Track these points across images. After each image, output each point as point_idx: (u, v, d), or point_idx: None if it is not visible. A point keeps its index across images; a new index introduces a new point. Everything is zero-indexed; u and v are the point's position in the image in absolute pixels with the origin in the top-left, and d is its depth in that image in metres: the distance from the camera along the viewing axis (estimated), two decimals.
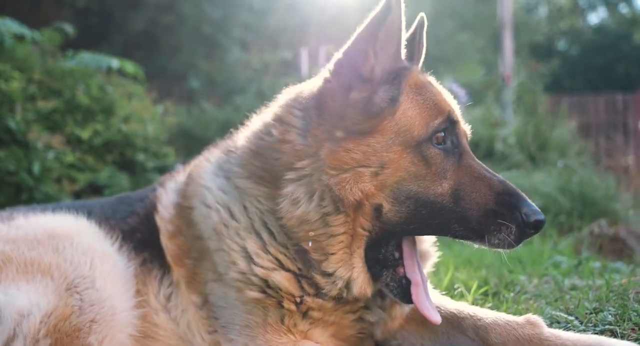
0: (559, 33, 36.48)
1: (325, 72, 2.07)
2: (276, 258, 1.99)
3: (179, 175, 2.42)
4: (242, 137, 2.23)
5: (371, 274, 1.97)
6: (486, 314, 2.07)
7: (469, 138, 2.14)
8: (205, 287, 2.13)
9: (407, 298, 1.95)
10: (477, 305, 2.52)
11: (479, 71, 18.42)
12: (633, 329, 2.06)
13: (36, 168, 5.08)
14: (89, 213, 2.35)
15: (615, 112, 16.90)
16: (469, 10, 21.48)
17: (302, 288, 1.98)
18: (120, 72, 6.42)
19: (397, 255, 1.99)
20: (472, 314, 2.09)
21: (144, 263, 2.25)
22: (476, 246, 1.95)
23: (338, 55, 2.02)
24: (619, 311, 2.20)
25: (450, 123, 1.98)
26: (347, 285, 1.95)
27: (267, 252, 2.00)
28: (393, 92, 1.95)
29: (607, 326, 2.11)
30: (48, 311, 1.89)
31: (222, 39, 15.41)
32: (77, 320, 1.92)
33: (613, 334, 2.05)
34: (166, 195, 2.35)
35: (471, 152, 2.04)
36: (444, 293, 2.48)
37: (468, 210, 1.88)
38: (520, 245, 1.89)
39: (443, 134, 1.95)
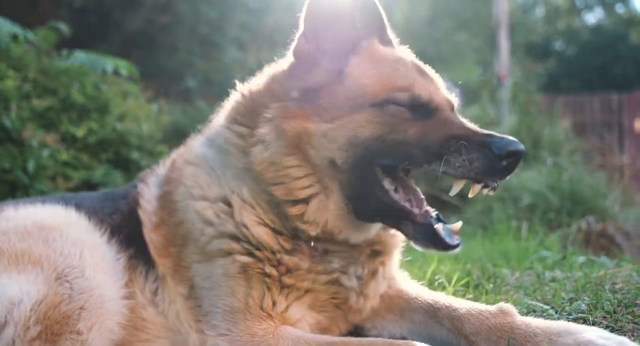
0: (555, 33, 36.56)
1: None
2: (256, 215, 2.10)
3: (159, 169, 2.49)
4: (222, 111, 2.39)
5: (386, 223, 2.07)
6: (461, 304, 2.14)
7: (454, 108, 2.19)
8: (189, 272, 2.19)
9: (434, 242, 1.97)
10: (458, 296, 2.58)
11: (475, 71, 18.49)
12: (605, 317, 2.13)
13: (31, 166, 5.13)
14: (79, 205, 2.40)
15: (611, 112, 16.98)
16: (466, 10, 21.50)
17: (279, 243, 2.08)
18: (115, 72, 6.47)
19: (392, 200, 2.01)
20: (448, 304, 2.16)
21: (129, 259, 2.30)
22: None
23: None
24: (593, 301, 2.27)
25: (413, 97, 2.04)
26: (324, 230, 2.06)
27: (251, 206, 2.11)
28: (340, 64, 2.11)
29: (580, 315, 2.17)
30: (38, 299, 1.94)
31: (219, 39, 15.45)
32: (66, 308, 1.97)
33: (585, 321, 2.12)
34: (148, 189, 2.41)
35: (449, 112, 2.10)
36: (424, 283, 2.55)
37: (432, 140, 1.94)
38: (491, 179, 1.90)
39: (405, 96, 2.03)
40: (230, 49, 15.38)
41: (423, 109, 2.05)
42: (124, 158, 6.34)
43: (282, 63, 2.30)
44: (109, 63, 6.11)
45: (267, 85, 2.22)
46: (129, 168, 6.38)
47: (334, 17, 2.15)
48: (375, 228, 2.18)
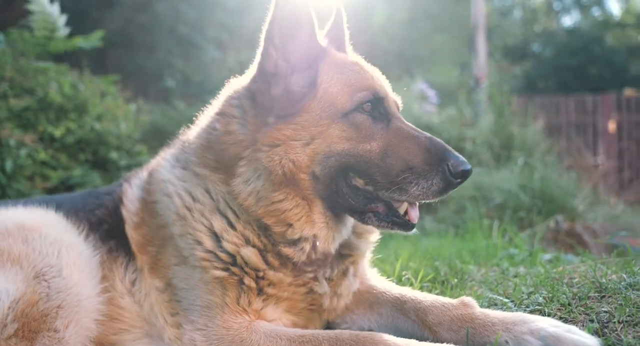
0: (533, 35, 37.03)
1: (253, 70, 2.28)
2: (243, 235, 2.17)
3: (142, 172, 2.58)
4: (194, 133, 2.42)
5: (359, 219, 2.18)
6: (425, 297, 2.26)
7: (400, 108, 2.37)
8: (167, 272, 2.27)
9: (404, 224, 2.16)
10: (425, 291, 2.68)
11: (453, 72, 18.70)
12: (559, 309, 2.25)
13: (8, 165, 5.14)
14: (59, 206, 2.48)
15: (585, 113, 17.30)
16: (444, 12, 21.70)
17: (266, 262, 2.17)
18: (90, 64, 6.46)
19: (358, 199, 2.15)
20: (414, 298, 2.28)
21: (110, 251, 2.39)
22: (402, 208, 2.15)
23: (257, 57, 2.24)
24: (550, 294, 2.39)
25: (376, 96, 2.18)
26: (313, 244, 2.16)
27: (235, 229, 2.18)
28: (311, 76, 2.17)
29: (536, 307, 2.29)
30: (16, 297, 2.00)
31: (198, 39, 15.43)
32: (44, 306, 2.03)
33: (541, 313, 2.23)
34: (131, 190, 2.50)
35: (402, 117, 2.24)
36: (393, 279, 2.65)
37: (392, 164, 2.09)
38: (447, 194, 2.09)
39: (370, 104, 2.16)
40: (209, 49, 15.37)
41: (381, 109, 2.19)
42: (103, 158, 6.34)
43: (240, 83, 2.33)
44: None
45: (237, 116, 2.23)
46: (108, 168, 6.39)
47: (298, 26, 2.17)
48: (347, 231, 2.30)
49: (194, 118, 2.52)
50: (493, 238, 4.85)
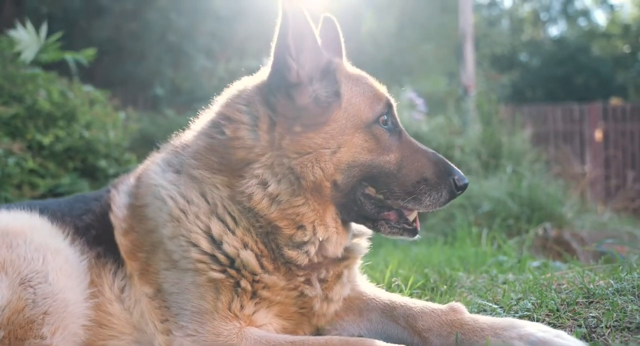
0: (520, 45, 37.35)
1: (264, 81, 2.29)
2: (242, 240, 2.17)
3: (129, 178, 2.55)
4: (190, 136, 2.40)
5: (372, 227, 2.29)
6: (415, 303, 2.26)
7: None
8: (157, 277, 2.25)
9: (413, 231, 2.30)
10: (414, 297, 2.68)
11: (442, 81, 18.80)
12: (548, 314, 2.26)
13: None
14: (44, 211, 2.44)
15: (572, 122, 17.46)
16: (432, 21, 21.85)
17: (262, 266, 2.17)
18: (80, 72, 6.47)
19: (372, 207, 2.24)
20: (403, 304, 2.29)
21: (98, 256, 2.35)
22: (412, 216, 2.27)
23: (267, 73, 2.26)
24: (538, 300, 2.40)
25: (389, 107, 2.29)
26: (322, 247, 2.21)
27: (234, 233, 2.18)
28: (333, 86, 2.23)
29: (525, 313, 2.30)
30: (2, 304, 1.98)
31: (188, 47, 15.45)
32: (30, 313, 2.01)
33: (530, 319, 2.24)
34: (119, 196, 2.47)
35: (405, 132, 2.35)
36: (382, 286, 2.65)
37: (407, 175, 2.21)
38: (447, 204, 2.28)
39: (385, 117, 2.26)
40: (199, 58, 15.39)
41: (393, 119, 2.30)
42: (91, 166, 6.31)
43: (243, 89, 2.33)
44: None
45: (258, 128, 2.21)
46: (96, 176, 6.35)
47: (304, 37, 2.19)
48: (351, 237, 2.33)
49: (184, 126, 2.51)
50: (482, 246, 4.87)
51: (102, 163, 6.39)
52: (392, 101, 2.35)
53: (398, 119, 2.35)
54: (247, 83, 2.37)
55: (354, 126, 2.18)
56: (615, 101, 19.63)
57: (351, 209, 2.23)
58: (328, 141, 2.15)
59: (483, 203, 6.24)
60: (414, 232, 2.29)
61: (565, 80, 31.60)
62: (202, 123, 2.39)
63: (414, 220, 2.30)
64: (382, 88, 2.36)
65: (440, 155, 2.30)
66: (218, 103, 2.39)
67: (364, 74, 2.41)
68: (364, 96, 2.25)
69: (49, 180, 5.75)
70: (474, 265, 3.83)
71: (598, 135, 17.20)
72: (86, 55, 6.40)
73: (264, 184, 2.15)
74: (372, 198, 2.23)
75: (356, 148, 2.17)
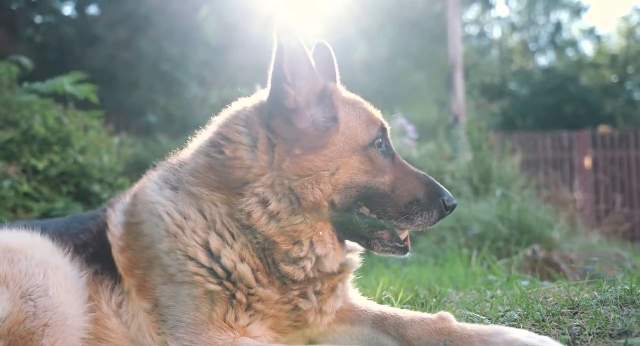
0: (510, 74, 37.87)
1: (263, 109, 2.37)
2: (240, 255, 2.25)
3: (125, 197, 2.61)
4: (188, 154, 2.48)
5: (366, 245, 2.39)
6: (405, 314, 2.33)
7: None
8: (154, 292, 2.31)
9: (404, 249, 2.40)
10: None
11: (433, 110, 19.02)
12: (534, 324, 2.33)
13: None
14: (44, 230, 2.51)
15: (562, 149, 17.69)
16: (422, 51, 22.19)
17: (257, 280, 2.24)
18: (75, 98, 6.56)
19: (366, 227, 2.33)
20: (393, 314, 2.36)
21: (96, 273, 2.41)
22: (404, 235, 2.36)
23: (266, 97, 2.35)
24: (525, 312, 2.47)
25: (383, 131, 2.39)
26: (319, 262, 2.28)
27: (232, 247, 2.25)
28: (331, 111, 2.33)
29: (512, 323, 2.38)
30: (3, 316, 2.04)
31: (181, 76, 15.62)
32: (30, 324, 2.07)
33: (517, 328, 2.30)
34: (115, 215, 2.53)
35: (398, 154, 2.45)
36: (372, 299, 2.72)
37: (400, 196, 2.31)
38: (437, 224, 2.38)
39: (380, 140, 2.35)
40: (191, 86, 15.57)
41: (387, 142, 2.40)
42: (85, 191, 6.35)
43: (240, 111, 2.42)
44: (67, 84, 6.21)
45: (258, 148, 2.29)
46: (90, 201, 6.39)
47: (300, 63, 2.28)
48: (346, 253, 2.43)
49: (177, 150, 2.58)
50: (472, 266, 4.93)
51: (96, 187, 6.44)
52: (386, 125, 2.45)
53: (391, 142, 2.45)
54: (245, 104, 2.46)
55: (351, 149, 2.28)
56: (603, 129, 19.89)
57: (347, 228, 2.32)
58: (327, 163, 2.24)
59: (473, 225, 6.33)
60: (405, 250, 2.39)
61: (555, 109, 31.99)
62: (200, 142, 2.48)
63: (405, 239, 2.39)
64: (377, 113, 2.47)
65: (431, 177, 2.40)
66: (216, 123, 2.48)
67: (358, 98, 2.52)
68: (360, 120, 2.35)
69: (43, 204, 5.79)
70: (463, 283, 3.90)
71: (587, 162, 17.41)
72: (86, 91, 6.49)
73: (265, 202, 2.23)
74: (366, 218, 2.32)
75: (353, 170, 2.27)
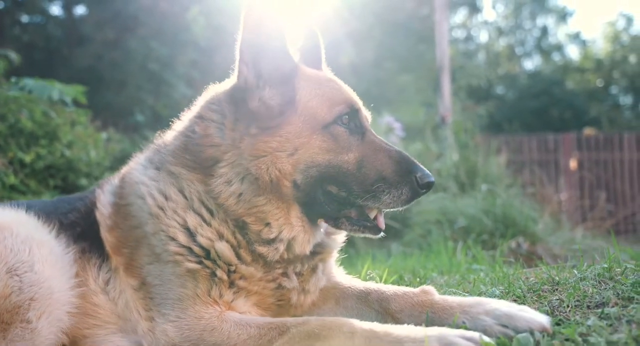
0: (496, 78, 38.16)
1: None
2: (217, 231, 2.28)
3: (114, 179, 2.66)
4: (170, 136, 2.53)
5: (334, 225, 2.34)
6: (388, 288, 2.38)
7: (369, 121, 2.54)
8: (141, 271, 2.34)
9: (374, 228, 2.33)
10: None
11: (420, 111, 19.10)
12: (515, 300, 2.37)
13: None
14: (29, 208, 2.54)
15: (547, 151, 17.83)
16: (410, 53, 22.32)
17: (239, 257, 2.28)
18: (63, 102, 6.57)
19: (333, 206, 2.31)
20: (377, 289, 2.40)
21: (83, 251, 2.44)
22: (373, 213, 2.32)
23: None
24: (506, 289, 2.52)
25: (352, 109, 2.36)
26: (289, 245, 2.29)
27: (209, 225, 2.28)
28: (289, 93, 2.32)
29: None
30: None
31: (169, 76, 15.61)
32: (16, 299, 2.10)
33: None
34: (104, 195, 2.57)
35: (373, 131, 2.43)
36: (357, 277, 2.75)
37: (366, 174, 2.26)
38: (412, 203, 2.29)
39: (347, 117, 2.33)
40: (179, 86, 15.56)
41: (357, 121, 2.37)
42: (72, 185, 6.36)
43: (218, 90, 2.47)
44: (56, 90, 6.22)
45: (216, 121, 2.34)
46: None
47: (268, 42, 2.31)
48: (320, 234, 2.43)
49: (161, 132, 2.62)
50: (457, 256, 4.98)
51: (83, 181, 6.45)
52: (359, 105, 2.44)
53: (366, 122, 2.44)
54: (223, 85, 2.51)
55: (311, 128, 2.27)
56: (588, 131, 20.08)
57: (312, 208, 2.31)
58: (284, 144, 2.24)
59: (459, 219, 6.38)
60: (376, 229, 2.33)
61: (541, 112, 32.30)
62: (182, 123, 2.53)
63: (376, 218, 2.34)
64: (348, 93, 2.45)
65: (406, 154, 2.33)
66: (197, 103, 2.53)
67: (332, 78, 2.53)
68: (323, 98, 2.33)
69: (30, 197, 5.78)
70: (447, 270, 3.94)
71: (573, 164, 17.57)
72: (76, 91, 6.49)
73: (229, 183, 2.26)
74: (333, 196, 2.30)
75: (314, 149, 2.25)
